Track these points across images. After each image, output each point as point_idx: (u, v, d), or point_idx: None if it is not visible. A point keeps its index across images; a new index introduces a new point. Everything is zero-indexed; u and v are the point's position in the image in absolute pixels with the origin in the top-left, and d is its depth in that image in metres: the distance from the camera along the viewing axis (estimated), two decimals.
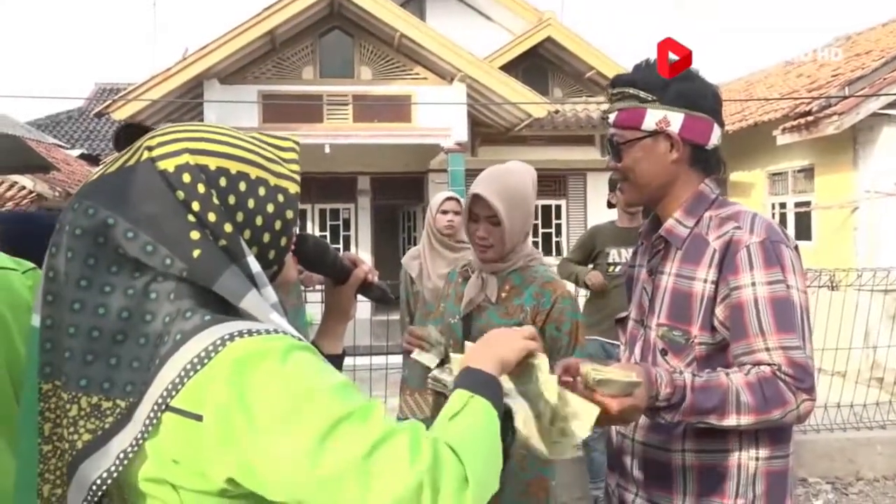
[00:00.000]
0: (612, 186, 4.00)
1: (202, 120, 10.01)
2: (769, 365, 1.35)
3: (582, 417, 1.21)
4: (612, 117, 1.55)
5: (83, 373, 0.87)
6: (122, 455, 0.85)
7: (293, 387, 0.81)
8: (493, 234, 2.10)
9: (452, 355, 1.47)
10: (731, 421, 1.33)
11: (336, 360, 1.30)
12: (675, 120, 1.48)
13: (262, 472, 0.80)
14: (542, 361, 1.19)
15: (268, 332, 0.86)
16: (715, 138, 1.52)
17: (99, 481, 0.86)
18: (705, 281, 1.44)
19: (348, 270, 1.28)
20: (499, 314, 2.13)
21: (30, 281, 1.39)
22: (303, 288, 3.97)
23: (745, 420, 1.33)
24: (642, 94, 1.49)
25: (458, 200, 3.64)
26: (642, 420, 1.51)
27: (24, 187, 10.45)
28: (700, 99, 1.50)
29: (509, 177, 2.12)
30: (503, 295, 2.14)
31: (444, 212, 3.56)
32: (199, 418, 0.82)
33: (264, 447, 0.79)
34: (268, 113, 10.25)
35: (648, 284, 1.59)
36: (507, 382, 1.20)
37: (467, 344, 1.38)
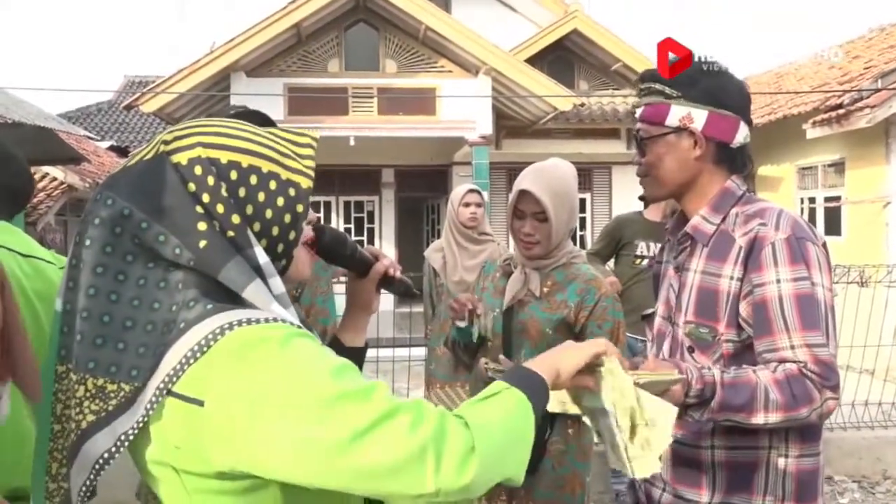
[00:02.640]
0: None
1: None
2: (794, 362, 1.34)
3: (659, 423, 1.16)
4: (638, 112, 1.55)
5: (92, 355, 0.90)
6: (123, 437, 0.88)
7: (291, 370, 0.84)
8: (539, 231, 2.11)
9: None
10: (759, 419, 1.32)
11: (358, 353, 1.31)
12: (699, 117, 1.47)
13: (262, 454, 0.83)
14: (611, 364, 1.14)
15: (267, 320, 0.89)
16: (741, 136, 1.50)
17: (101, 461, 0.89)
18: (731, 278, 1.43)
19: (369, 263, 1.28)
20: (542, 308, 2.15)
21: None
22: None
23: (773, 418, 1.32)
24: (668, 89, 1.49)
25: (479, 193, 3.64)
26: None
27: (55, 178, 10.64)
28: (726, 96, 1.48)
29: (555, 173, 2.13)
30: (545, 290, 2.16)
31: (467, 204, 3.56)
32: (200, 403, 0.85)
33: (264, 430, 0.82)
34: (293, 105, 10.32)
35: (675, 281, 1.58)
36: (590, 401, 1.18)
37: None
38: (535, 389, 1.00)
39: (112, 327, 0.90)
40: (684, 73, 1.49)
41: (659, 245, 4.04)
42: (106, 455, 0.89)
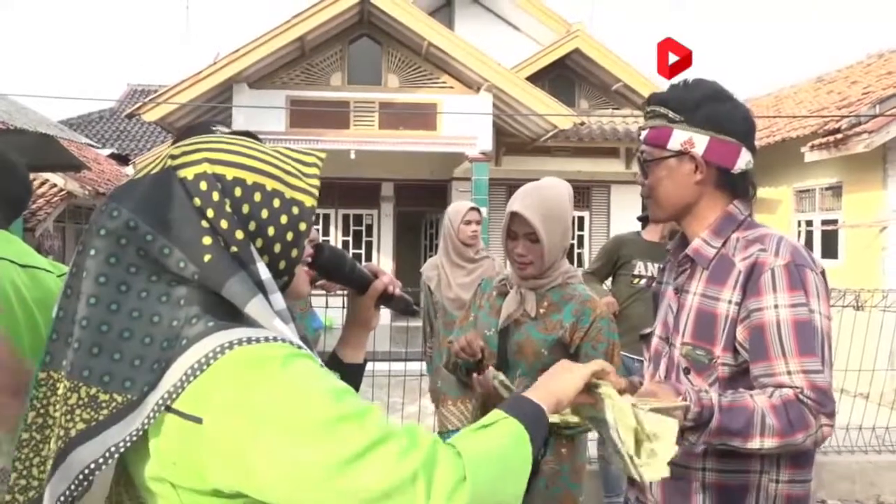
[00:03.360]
0: None
1: (231, 124, 10.13)
2: (791, 388, 1.34)
3: (663, 436, 1.19)
4: (643, 135, 1.57)
5: (87, 364, 0.90)
6: (112, 449, 0.88)
7: (291, 392, 0.85)
8: (531, 252, 2.12)
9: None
10: (755, 444, 1.32)
11: (357, 369, 1.31)
12: (700, 142, 1.49)
13: (258, 474, 0.83)
14: (607, 389, 1.17)
15: (268, 339, 0.89)
16: (742, 163, 1.51)
17: (87, 471, 0.89)
18: (730, 302, 1.45)
19: (368, 281, 1.28)
20: (538, 329, 2.15)
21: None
22: (324, 292, 4.01)
23: (769, 443, 1.32)
24: (671, 114, 1.51)
25: (479, 211, 3.66)
26: None
27: (55, 185, 10.65)
28: (729, 122, 1.50)
29: (547, 193, 2.14)
30: (541, 310, 2.17)
31: (468, 222, 3.59)
32: (199, 421, 0.85)
33: (261, 450, 0.83)
34: (295, 118, 10.36)
35: (674, 302, 1.59)
36: (590, 412, 1.21)
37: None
38: (534, 420, 1.00)
39: (109, 337, 0.90)
40: (689, 99, 1.51)
41: (657, 265, 4.06)
42: (92, 465, 0.89)
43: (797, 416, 1.32)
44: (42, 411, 0.94)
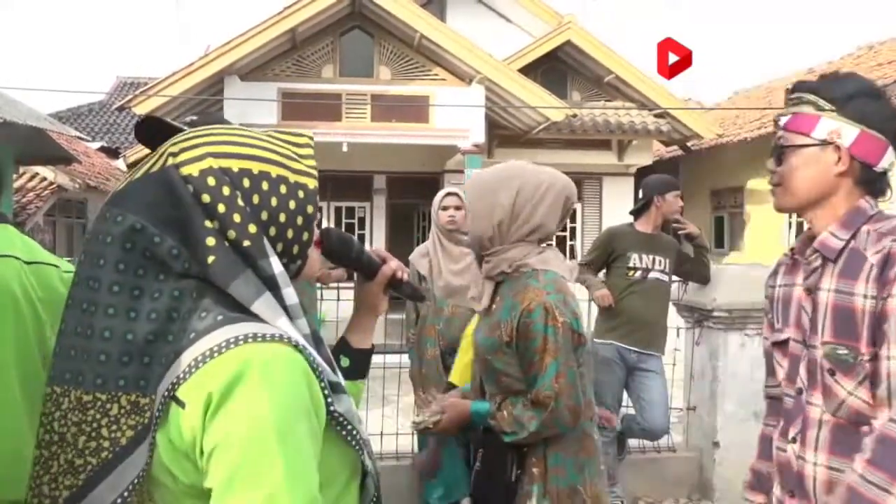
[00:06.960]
0: (674, 186, 4.16)
1: (222, 116, 10.08)
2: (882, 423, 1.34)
3: None
4: (783, 120, 1.54)
5: (120, 373, 0.89)
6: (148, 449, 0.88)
7: (261, 429, 0.84)
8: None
9: None
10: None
11: (365, 355, 1.32)
12: (849, 134, 1.46)
13: (207, 473, 0.85)
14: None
15: (273, 337, 0.89)
16: (886, 162, 1.49)
17: (138, 477, 0.88)
18: (865, 296, 1.41)
19: (376, 266, 1.28)
20: (483, 331, 2.01)
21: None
22: (318, 285, 4.00)
23: None
24: (821, 101, 1.48)
25: (458, 195, 3.63)
26: (823, 440, 1.49)
27: (45, 178, 10.59)
28: (879, 119, 1.47)
29: (487, 174, 2.05)
30: (493, 307, 2.01)
31: (445, 207, 3.56)
32: (182, 405, 0.86)
33: (215, 450, 0.84)
34: (287, 110, 10.32)
35: (808, 303, 1.54)
36: None
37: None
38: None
39: (136, 343, 0.89)
40: (841, 90, 1.48)
41: (651, 256, 4.08)
42: (142, 471, 0.88)
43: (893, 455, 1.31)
44: (49, 427, 0.92)
